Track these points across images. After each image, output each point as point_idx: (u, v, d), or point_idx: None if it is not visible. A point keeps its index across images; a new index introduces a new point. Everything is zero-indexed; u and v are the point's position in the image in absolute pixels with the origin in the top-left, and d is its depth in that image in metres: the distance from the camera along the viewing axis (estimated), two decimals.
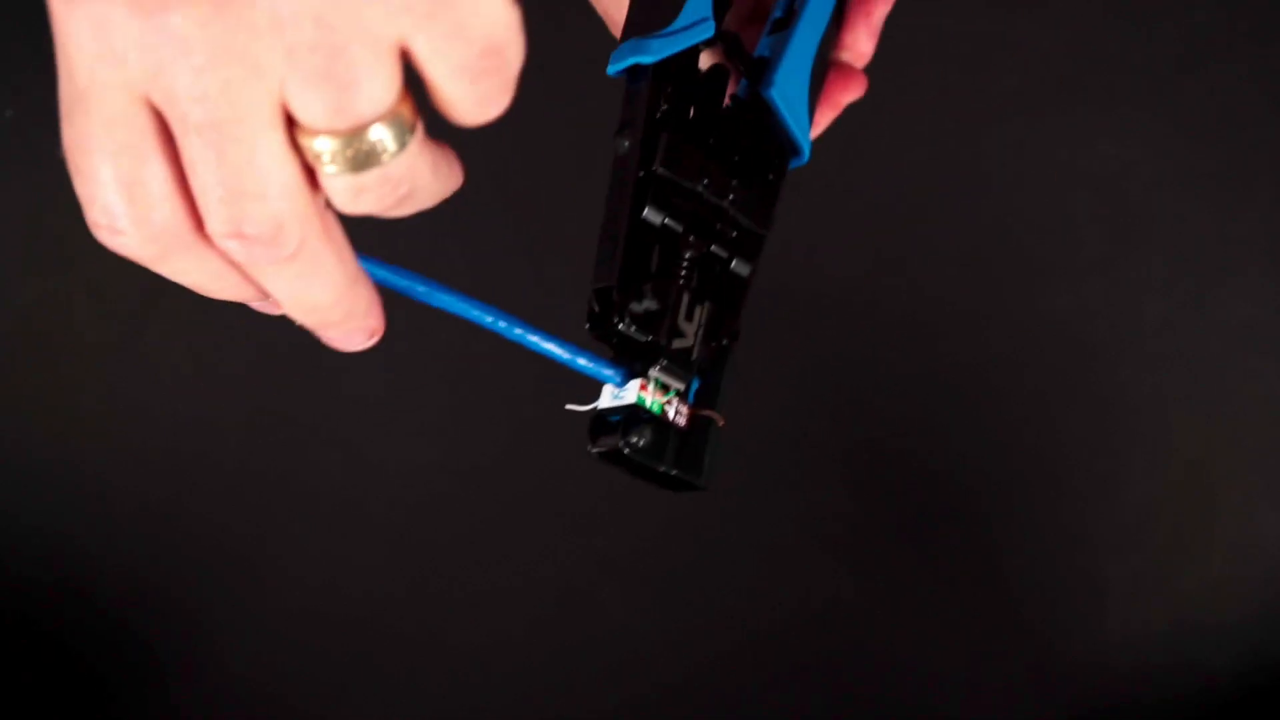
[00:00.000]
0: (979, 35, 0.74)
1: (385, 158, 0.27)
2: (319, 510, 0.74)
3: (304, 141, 0.26)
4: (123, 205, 0.27)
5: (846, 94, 0.43)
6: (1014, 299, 0.74)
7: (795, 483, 0.74)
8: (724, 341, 0.40)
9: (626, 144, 0.37)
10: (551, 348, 0.37)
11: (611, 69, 0.37)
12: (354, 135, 0.27)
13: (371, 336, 0.33)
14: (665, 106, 0.37)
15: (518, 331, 0.36)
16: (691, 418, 0.40)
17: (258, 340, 0.74)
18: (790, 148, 0.41)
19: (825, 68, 0.41)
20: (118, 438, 0.74)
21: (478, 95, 0.27)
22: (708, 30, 0.37)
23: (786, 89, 0.40)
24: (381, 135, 0.27)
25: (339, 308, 0.31)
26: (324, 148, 0.27)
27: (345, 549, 0.74)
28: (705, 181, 0.38)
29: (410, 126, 0.27)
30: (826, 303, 0.74)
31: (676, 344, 0.39)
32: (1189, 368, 0.73)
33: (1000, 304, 0.74)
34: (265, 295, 0.30)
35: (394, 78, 0.26)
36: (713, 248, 0.38)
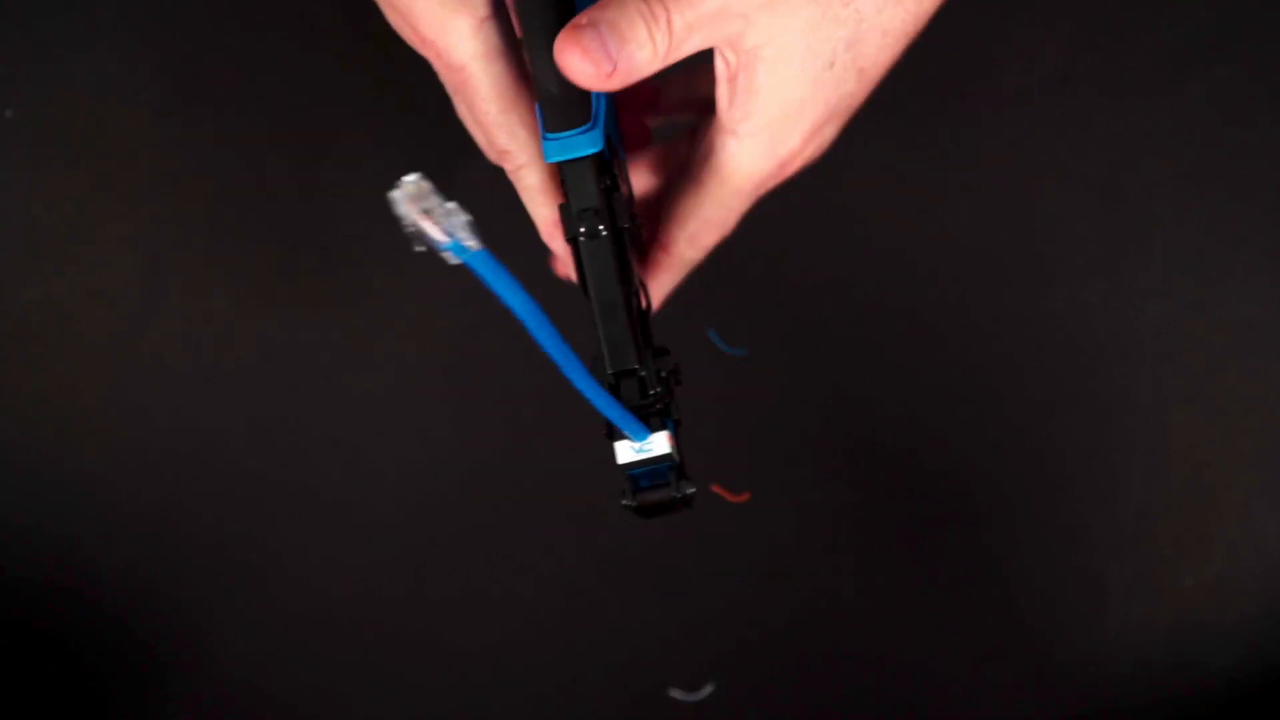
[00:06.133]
0: (979, 34, 0.74)
1: None
2: (319, 510, 0.74)
3: None
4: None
5: None
6: (1014, 299, 0.74)
7: (794, 482, 0.74)
8: (678, 379, 0.45)
9: (602, 230, 0.41)
10: (613, 410, 0.40)
11: (562, 158, 0.41)
12: None
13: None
14: (606, 183, 0.42)
15: (577, 376, 0.39)
16: (681, 460, 0.44)
17: (258, 340, 0.74)
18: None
19: None
20: (117, 438, 0.74)
21: None
22: (604, 109, 0.42)
23: (618, 139, 0.46)
24: None
25: None
26: None
27: (345, 549, 0.74)
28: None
29: None
30: (825, 302, 0.75)
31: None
32: (1189, 368, 0.73)
33: (1000, 304, 0.74)
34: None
35: None
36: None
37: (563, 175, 0.42)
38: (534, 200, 0.46)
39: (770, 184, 0.45)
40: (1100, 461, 0.74)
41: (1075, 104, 0.73)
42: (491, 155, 0.46)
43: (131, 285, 0.74)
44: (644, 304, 0.45)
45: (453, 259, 0.33)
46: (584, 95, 0.41)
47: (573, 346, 0.38)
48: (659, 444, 0.42)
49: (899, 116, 0.74)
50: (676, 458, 0.42)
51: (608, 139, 0.43)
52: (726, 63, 0.42)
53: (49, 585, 0.74)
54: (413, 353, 0.75)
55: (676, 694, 0.73)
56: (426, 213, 0.32)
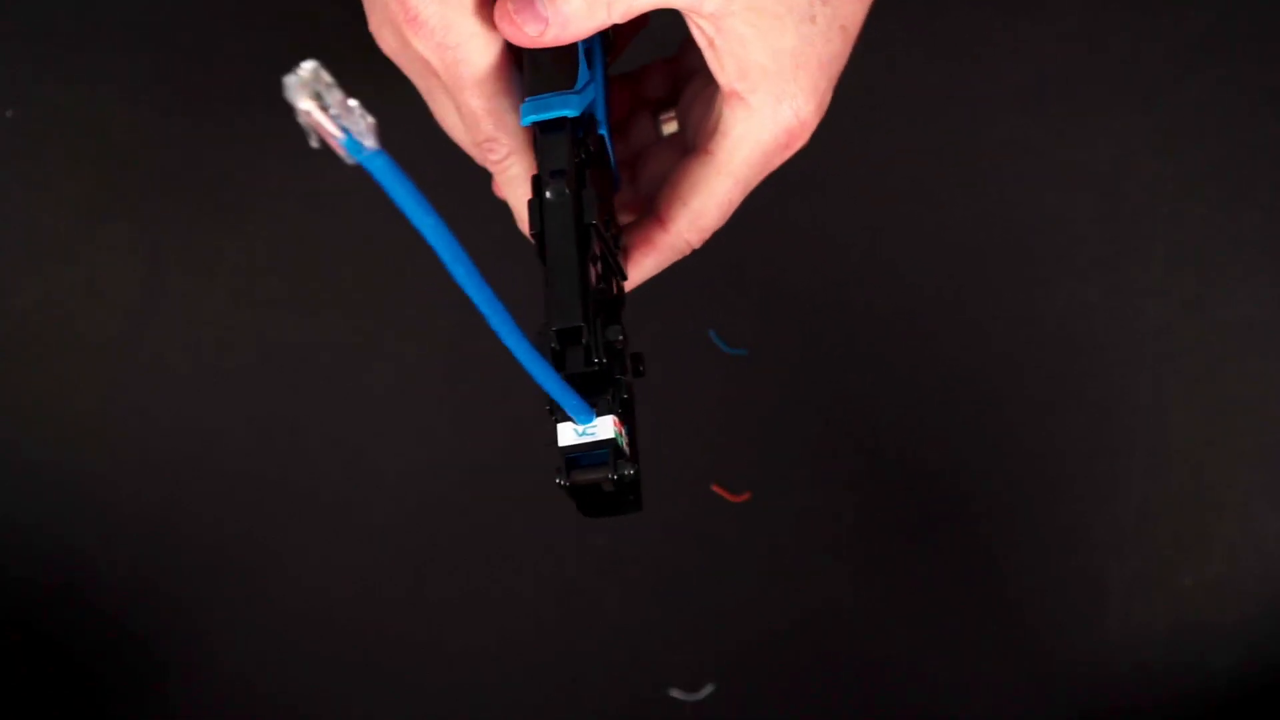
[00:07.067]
0: (978, 34, 0.74)
1: None
2: (319, 511, 0.74)
3: None
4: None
5: None
6: (1013, 299, 0.74)
7: (794, 482, 0.74)
8: (640, 369, 0.43)
9: (567, 191, 0.40)
10: (550, 382, 0.37)
11: (536, 118, 0.41)
12: None
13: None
14: (581, 156, 0.41)
15: (524, 353, 0.36)
16: (631, 448, 0.41)
17: (258, 340, 0.74)
18: (615, 179, 0.46)
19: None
20: (117, 438, 0.74)
21: None
22: (595, 90, 0.42)
23: (606, 127, 0.44)
24: None
25: None
26: None
27: (345, 549, 0.74)
28: (605, 223, 0.42)
29: None
30: (824, 303, 0.74)
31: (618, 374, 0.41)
32: (1189, 368, 0.73)
33: (999, 304, 0.74)
34: None
35: None
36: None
37: (536, 140, 0.41)
38: (514, 191, 0.45)
39: (778, 156, 0.44)
40: (1100, 461, 0.74)
41: (1075, 104, 0.73)
42: (472, 146, 0.45)
43: (131, 285, 0.74)
44: (615, 290, 0.44)
45: (349, 158, 0.30)
46: (571, 64, 0.42)
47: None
48: (602, 428, 0.40)
49: (899, 116, 0.74)
50: (622, 443, 0.40)
51: (592, 122, 0.43)
52: (702, 30, 0.42)
53: (49, 585, 0.74)
54: (413, 353, 0.75)
55: (676, 694, 0.73)
56: (319, 101, 0.29)
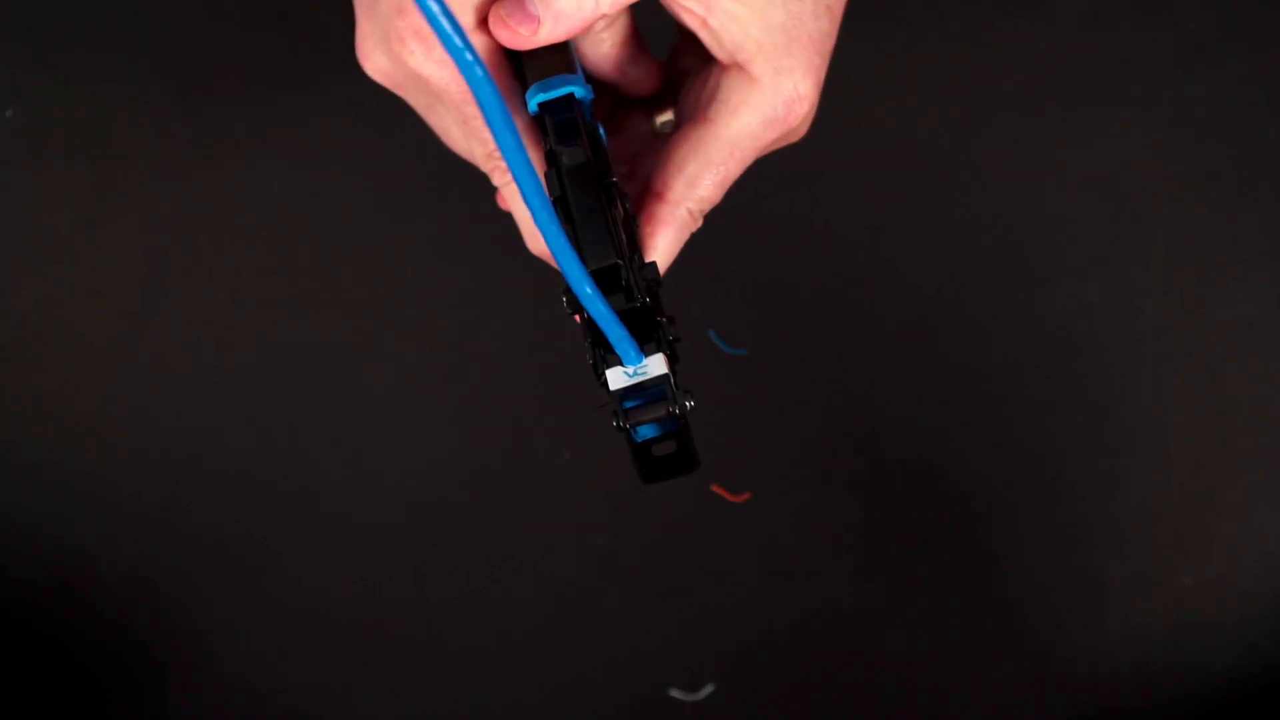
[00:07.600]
0: (978, 34, 0.74)
1: None
2: (319, 510, 0.74)
3: None
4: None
5: None
6: (1013, 299, 0.74)
7: (794, 482, 0.74)
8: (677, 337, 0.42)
9: (584, 155, 0.40)
10: (600, 309, 0.36)
11: (544, 97, 0.42)
12: None
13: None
14: (586, 133, 0.41)
15: (588, 291, 0.36)
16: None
17: (258, 340, 0.74)
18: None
19: None
20: (117, 438, 0.74)
21: None
22: (589, 90, 0.43)
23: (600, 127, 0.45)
24: None
25: None
26: None
27: (345, 549, 0.74)
28: (621, 196, 0.42)
29: None
30: (825, 303, 0.75)
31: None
32: (1189, 368, 0.73)
33: (999, 304, 0.74)
34: None
35: None
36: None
37: (545, 122, 0.41)
38: (522, 202, 0.45)
39: (775, 129, 0.44)
40: (1100, 461, 0.74)
41: (1075, 104, 0.73)
42: (481, 159, 0.45)
43: (131, 285, 0.74)
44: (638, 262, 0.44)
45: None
46: (567, 59, 0.42)
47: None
48: (654, 366, 0.39)
49: (899, 115, 0.74)
50: (674, 380, 0.39)
51: (592, 112, 0.43)
52: (693, 13, 0.43)
53: (49, 585, 0.74)
54: (413, 353, 0.75)
55: (676, 694, 0.73)
56: None
